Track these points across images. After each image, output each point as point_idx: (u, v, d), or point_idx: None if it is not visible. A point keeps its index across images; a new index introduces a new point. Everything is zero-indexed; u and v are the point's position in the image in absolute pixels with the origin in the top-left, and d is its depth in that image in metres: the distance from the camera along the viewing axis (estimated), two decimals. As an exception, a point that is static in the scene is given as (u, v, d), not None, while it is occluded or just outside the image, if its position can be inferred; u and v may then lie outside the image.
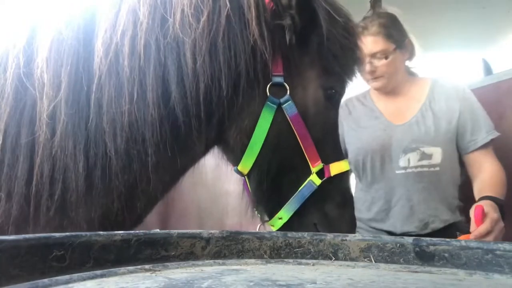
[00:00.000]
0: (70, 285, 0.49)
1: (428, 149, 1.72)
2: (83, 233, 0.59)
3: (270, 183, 1.17)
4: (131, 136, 0.99)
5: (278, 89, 1.12)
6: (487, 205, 1.42)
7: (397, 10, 1.91)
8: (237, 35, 1.03)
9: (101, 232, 0.61)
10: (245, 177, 1.22)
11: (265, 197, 1.21)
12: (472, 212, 1.41)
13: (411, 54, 1.91)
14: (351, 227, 1.24)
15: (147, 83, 0.98)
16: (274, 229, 1.19)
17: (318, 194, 1.16)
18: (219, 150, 1.26)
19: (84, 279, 0.51)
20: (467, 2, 3.32)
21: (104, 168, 0.98)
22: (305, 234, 0.73)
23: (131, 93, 0.98)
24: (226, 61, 1.03)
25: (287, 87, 1.12)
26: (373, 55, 1.77)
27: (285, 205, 1.16)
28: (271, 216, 1.20)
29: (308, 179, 1.15)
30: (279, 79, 1.11)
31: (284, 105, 1.11)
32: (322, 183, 1.15)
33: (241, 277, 0.54)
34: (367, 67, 1.76)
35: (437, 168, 1.73)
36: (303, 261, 0.69)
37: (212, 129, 1.11)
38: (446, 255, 0.64)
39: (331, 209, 1.20)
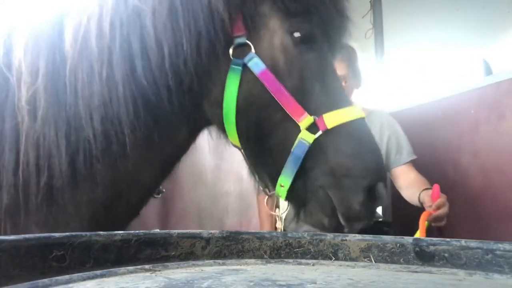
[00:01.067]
0: (70, 285, 0.49)
1: None
2: (83, 233, 0.59)
3: (260, 150, 1.08)
4: (106, 118, 0.99)
5: (243, 49, 1.04)
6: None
7: (356, 46, 2.23)
8: None
9: (101, 232, 0.61)
10: (241, 150, 1.15)
11: (261, 165, 1.13)
12: (427, 195, 1.73)
13: (359, 84, 2.20)
14: (371, 181, 1.03)
15: (114, 61, 0.98)
16: (282, 198, 1.10)
17: (319, 152, 1.02)
18: (214, 131, 1.21)
19: (84, 279, 0.51)
20: (467, 2, 3.32)
21: (85, 152, 0.99)
22: (305, 234, 0.73)
23: (100, 73, 0.98)
24: (186, 25, 1.00)
25: (251, 45, 1.04)
26: None
27: (282, 171, 1.04)
28: (274, 185, 1.10)
29: (298, 137, 1.01)
30: (241, 40, 1.04)
31: (249, 63, 1.03)
32: (319, 139, 1.01)
33: (241, 277, 0.54)
34: None
35: None
36: (303, 261, 0.69)
37: (185, 101, 1.06)
38: (446, 255, 0.64)
39: (339, 164, 1.02)
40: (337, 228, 1.05)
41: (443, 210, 1.66)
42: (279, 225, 1.22)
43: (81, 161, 0.99)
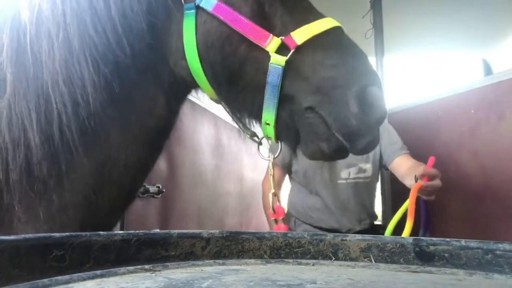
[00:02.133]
0: (70, 285, 0.49)
1: (363, 165, 2.26)
2: (83, 233, 0.59)
3: (235, 91, 1.00)
4: (70, 82, 0.96)
5: None
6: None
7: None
8: None
9: (101, 232, 0.61)
10: (222, 103, 1.08)
11: (241, 109, 1.05)
12: (422, 167, 1.77)
13: None
14: (364, 84, 0.91)
15: (67, 22, 0.97)
16: (272, 139, 1.02)
17: (294, 74, 0.93)
18: (194, 92, 1.16)
19: (84, 279, 0.51)
20: (467, 2, 3.32)
21: (57, 122, 0.96)
22: (305, 234, 0.73)
23: (57, 36, 0.96)
24: None
25: None
26: None
27: (263, 107, 0.96)
28: (261, 127, 1.02)
29: (269, 64, 0.92)
30: None
31: (201, 3, 0.97)
32: (292, 59, 0.92)
33: (241, 277, 0.54)
34: None
35: (368, 180, 2.29)
36: (303, 261, 0.69)
37: (145, 56, 1.02)
38: (446, 255, 0.64)
39: (322, 80, 0.91)
40: (339, 152, 0.96)
41: (435, 182, 1.68)
42: (271, 172, 1.11)
43: (56, 131, 0.96)
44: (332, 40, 0.95)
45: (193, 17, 0.97)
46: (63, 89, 0.95)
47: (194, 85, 1.08)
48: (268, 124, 0.97)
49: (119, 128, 1.04)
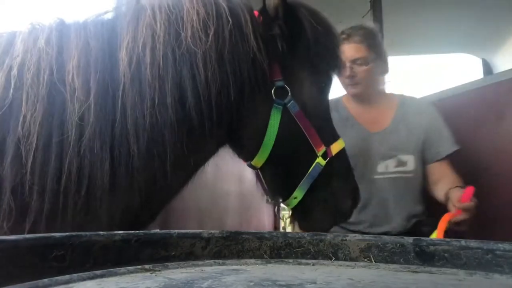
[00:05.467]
0: (70, 285, 0.49)
1: (403, 157, 1.93)
2: (83, 233, 0.59)
3: (284, 171, 1.35)
4: (152, 137, 1.10)
5: (281, 91, 1.28)
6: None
7: (377, 27, 2.13)
8: (239, 48, 1.18)
9: (101, 232, 0.61)
10: (258, 170, 1.38)
11: (280, 184, 1.39)
12: (458, 193, 1.59)
13: (385, 69, 2.05)
14: (355, 193, 1.45)
15: (166, 89, 1.11)
16: (289, 207, 1.40)
17: (324, 172, 1.33)
18: (231, 149, 1.41)
19: (84, 279, 0.51)
20: (467, 2, 3.32)
21: (127, 166, 1.09)
22: (305, 234, 0.74)
23: (152, 98, 1.10)
24: (232, 70, 1.17)
25: (288, 89, 1.28)
26: (354, 61, 1.93)
27: (298, 186, 1.33)
28: (285, 198, 1.38)
29: (315, 162, 1.32)
30: (280, 83, 1.28)
31: (288, 104, 1.28)
32: (326, 162, 1.33)
33: (241, 277, 0.54)
34: (348, 71, 1.91)
35: (410, 175, 1.94)
36: (303, 261, 0.69)
37: (222, 129, 1.25)
38: (446, 255, 0.64)
39: (337, 181, 1.38)
40: (338, 222, 1.55)
41: (468, 215, 1.54)
42: (283, 226, 1.47)
43: (123, 174, 1.08)
44: (344, 157, 1.43)
45: (280, 111, 1.27)
46: (143, 143, 1.09)
47: (248, 153, 1.35)
48: (295, 198, 1.35)
49: (176, 173, 1.19)
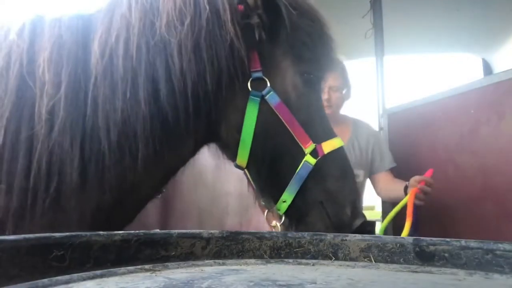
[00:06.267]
0: (70, 285, 0.49)
1: (357, 171, 2.29)
2: (83, 233, 0.59)
3: (269, 171, 1.24)
4: (123, 132, 1.06)
5: (259, 82, 1.20)
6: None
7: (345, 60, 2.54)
8: (216, 35, 1.12)
9: (101, 232, 0.61)
10: (245, 170, 1.29)
11: (267, 185, 1.28)
12: (419, 176, 1.91)
13: (350, 95, 2.47)
14: (354, 198, 1.31)
15: (139, 82, 1.07)
16: (280, 212, 1.27)
17: (317, 173, 1.21)
18: (217, 148, 1.34)
19: (84, 279, 0.51)
20: (467, 2, 3.31)
21: (97, 162, 1.05)
22: (305, 234, 0.73)
23: (124, 92, 1.06)
24: (209, 59, 1.11)
25: (267, 80, 1.21)
26: (331, 87, 2.31)
27: (286, 188, 1.22)
28: (276, 201, 1.26)
29: (303, 160, 1.20)
30: (258, 74, 1.20)
31: (267, 96, 1.19)
32: (318, 162, 1.21)
33: (241, 277, 0.54)
34: (325, 95, 2.24)
35: (359, 185, 2.34)
36: (303, 261, 0.69)
37: (200, 124, 1.18)
38: (446, 255, 0.64)
39: (332, 184, 1.25)
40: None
41: (430, 189, 1.86)
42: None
43: (93, 170, 1.05)
44: (341, 157, 1.30)
45: (257, 104, 1.18)
46: (114, 137, 1.05)
47: (230, 150, 1.27)
48: (284, 201, 1.23)
49: (149, 170, 1.14)
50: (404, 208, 1.86)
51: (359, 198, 1.36)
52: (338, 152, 1.28)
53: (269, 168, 1.23)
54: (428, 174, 1.92)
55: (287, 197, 1.22)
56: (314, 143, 1.22)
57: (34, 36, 1.08)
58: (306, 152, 1.20)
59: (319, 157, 1.21)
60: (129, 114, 1.06)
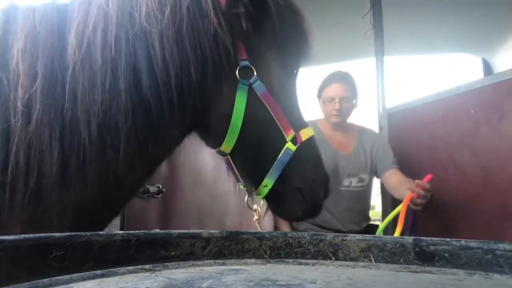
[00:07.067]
0: (70, 285, 0.49)
1: (363, 175, 2.54)
2: (83, 233, 0.59)
3: (254, 156, 1.28)
4: (104, 124, 1.04)
5: (246, 71, 1.22)
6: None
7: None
8: (199, 25, 1.11)
9: (101, 232, 0.61)
10: (228, 156, 1.31)
11: (251, 170, 1.32)
12: (417, 182, 1.98)
13: (357, 105, 2.62)
14: (326, 183, 1.40)
15: (119, 73, 1.05)
16: (260, 197, 1.34)
17: (295, 159, 1.27)
18: (198, 135, 1.34)
19: (84, 279, 0.51)
20: (467, 2, 3.31)
21: (78, 155, 1.03)
22: (305, 234, 0.73)
23: (103, 82, 1.03)
24: (192, 48, 1.11)
25: (254, 69, 1.22)
26: (342, 98, 2.47)
27: (268, 173, 1.26)
28: (256, 186, 1.31)
29: (285, 147, 1.26)
30: (245, 63, 1.22)
31: (254, 85, 1.22)
32: (297, 148, 1.27)
33: (241, 277, 0.54)
34: (337, 105, 2.46)
35: (365, 188, 2.58)
36: (303, 261, 0.69)
37: (185, 113, 1.17)
38: (446, 255, 0.64)
39: (308, 170, 1.33)
40: (305, 217, 1.46)
41: (426, 194, 1.94)
42: (256, 218, 1.47)
43: (73, 163, 1.02)
44: (314, 145, 1.38)
45: (245, 92, 1.21)
46: (94, 129, 1.03)
47: (216, 137, 1.28)
48: (265, 186, 1.28)
49: (133, 162, 1.13)
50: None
51: (329, 181, 1.46)
52: (311, 140, 1.36)
53: (255, 153, 1.27)
54: (426, 179, 1.97)
55: (269, 182, 1.27)
56: (294, 131, 1.27)
57: (8, 26, 1.06)
58: (287, 140, 1.26)
59: (298, 144, 1.27)
60: (109, 105, 1.03)
